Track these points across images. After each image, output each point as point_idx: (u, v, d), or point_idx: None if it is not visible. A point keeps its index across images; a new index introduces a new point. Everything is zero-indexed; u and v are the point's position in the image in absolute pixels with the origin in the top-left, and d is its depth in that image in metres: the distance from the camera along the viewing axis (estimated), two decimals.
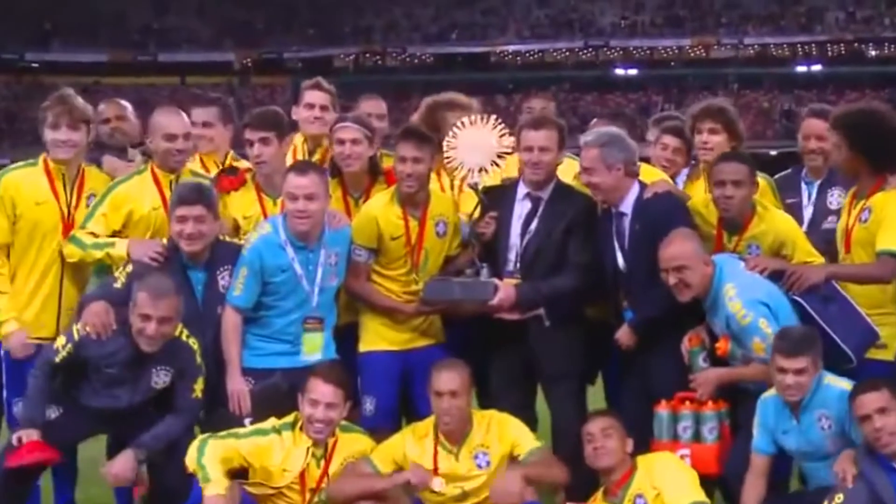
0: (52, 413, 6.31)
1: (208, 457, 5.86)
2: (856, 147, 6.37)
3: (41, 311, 6.81)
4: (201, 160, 7.41)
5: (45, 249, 6.81)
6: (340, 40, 71.82)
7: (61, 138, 6.75)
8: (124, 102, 8.01)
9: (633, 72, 69.87)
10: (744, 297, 6.13)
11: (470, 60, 69.99)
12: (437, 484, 6.13)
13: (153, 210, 6.80)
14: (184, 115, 6.99)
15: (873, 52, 67.67)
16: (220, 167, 7.34)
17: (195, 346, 6.34)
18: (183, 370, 6.33)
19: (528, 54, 72.04)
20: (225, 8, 71.95)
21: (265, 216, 6.81)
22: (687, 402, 6.31)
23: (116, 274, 6.51)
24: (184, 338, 6.31)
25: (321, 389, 5.99)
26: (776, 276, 6.30)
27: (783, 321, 6.08)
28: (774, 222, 6.58)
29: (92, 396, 6.34)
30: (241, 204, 6.94)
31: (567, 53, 71.85)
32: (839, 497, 5.56)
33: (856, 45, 67.39)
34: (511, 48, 71.43)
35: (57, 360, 6.24)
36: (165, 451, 6.26)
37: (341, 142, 6.85)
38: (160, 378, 6.31)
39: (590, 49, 71.44)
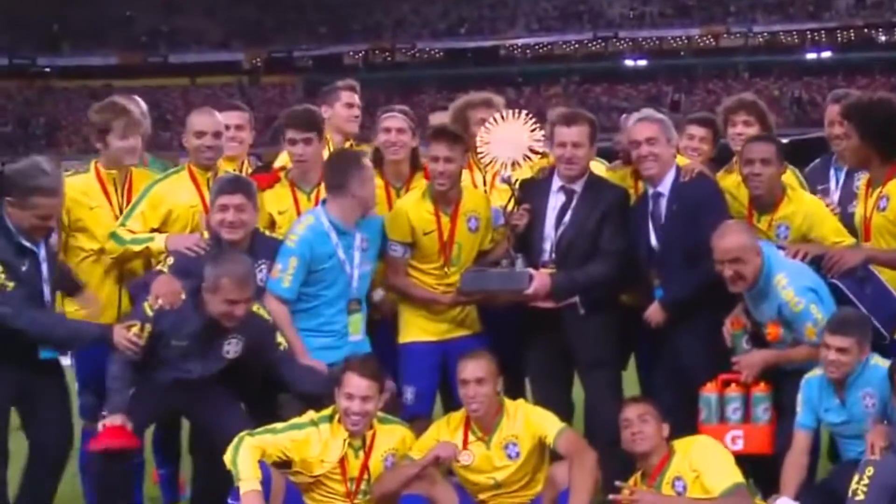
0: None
1: (242, 455, 5.95)
2: (867, 136, 6.46)
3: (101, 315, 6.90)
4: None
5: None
6: (350, 38, 71.96)
7: (131, 145, 7.02)
8: (138, 99, 8.01)
9: (642, 62, 69.72)
10: (795, 284, 6.25)
11: (479, 54, 70.00)
12: (465, 457, 6.31)
13: (190, 207, 6.95)
14: (216, 114, 7.17)
15: (883, 38, 67.33)
16: (238, 171, 7.46)
17: (261, 312, 6.47)
18: (259, 338, 6.44)
19: (537, 47, 71.97)
20: (234, 8, 72.11)
21: (299, 212, 6.96)
22: (733, 385, 6.41)
23: (158, 268, 6.60)
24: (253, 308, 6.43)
25: (356, 383, 6.11)
26: (814, 260, 6.47)
27: (826, 304, 6.25)
28: (803, 203, 6.77)
29: (163, 371, 6.40)
30: (275, 200, 7.08)
31: (576, 45, 71.70)
32: (870, 470, 5.68)
33: (865, 30, 67.12)
34: (520, 41, 71.41)
35: (141, 342, 6.27)
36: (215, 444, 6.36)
37: (387, 130, 7.11)
38: (231, 348, 6.40)
39: (599, 40, 71.32)
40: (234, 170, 7.41)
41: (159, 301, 6.26)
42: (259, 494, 5.84)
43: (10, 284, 6.19)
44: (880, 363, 6.01)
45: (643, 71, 69.06)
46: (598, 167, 7.36)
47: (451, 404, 6.88)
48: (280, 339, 6.49)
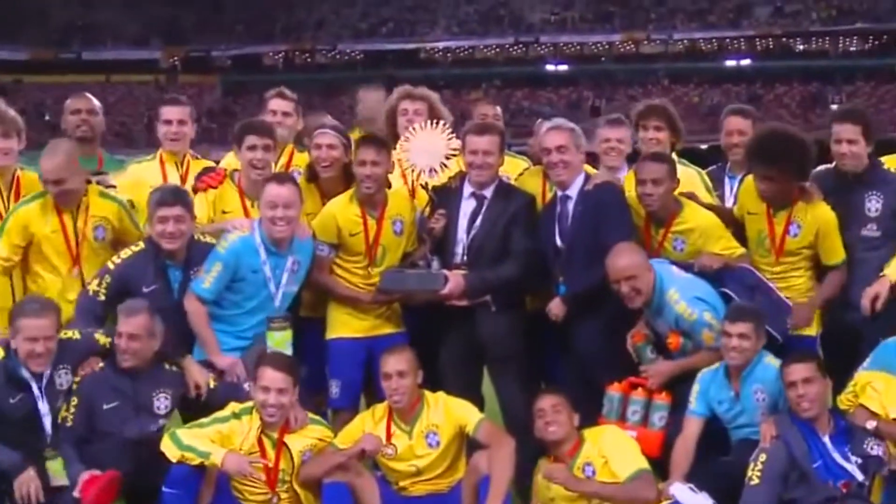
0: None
1: (188, 439, 6.23)
2: (793, 175, 6.96)
3: None
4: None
5: None
6: (270, 38, 71.65)
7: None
8: (93, 98, 8.27)
9: (563, 67, 70.41)
10: (686, 297, 6.76)
11: (400, 57, 70.00)
12: (389, 450, 6.64)
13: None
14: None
15: (801, 47, 68.78)
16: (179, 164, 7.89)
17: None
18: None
19: (458, 50, 72.34)
20: (152, 5, 71.12)
21: (247, 216, 7.24)
22: (639, 389, 6.87)
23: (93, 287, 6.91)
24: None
25: (271, 376, 6.36)
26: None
27: (719, 311, 6.77)
28: (698, 219, 7.15)
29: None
30: (220, 200, 7.40)
31: (497, 49, 72.22)
32: (763, 457, 6.22)
33: (784, 39, 68.38)
34: (441, 44, 71.70)
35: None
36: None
37: (318, 146, 7.41)
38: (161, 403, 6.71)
39: (520, 45, 71.90)
40: (176, 163, 7.84)
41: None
42: (236, 454, 6.21)
43: None
44: (772, 362, 6.56)
45: (564, 76, 69.83)
46: (520, 164, 8.03)
47: (375, 399, 7.11)
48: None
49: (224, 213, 7.34)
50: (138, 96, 65.43)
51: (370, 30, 72.42)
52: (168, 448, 6.23)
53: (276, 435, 6.47)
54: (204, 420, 6.43)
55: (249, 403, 6.49)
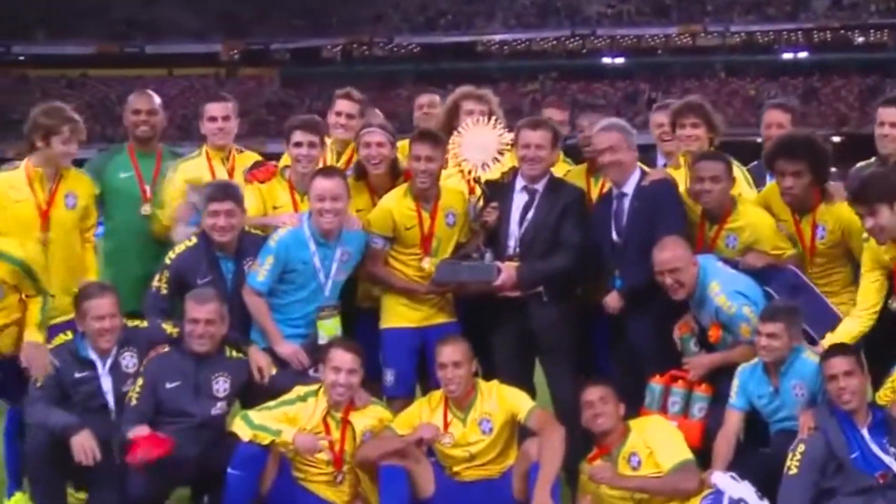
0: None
1: (259, 420, 6.57)
2: (818, 169, 7.10)
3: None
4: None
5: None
6: (328, 31, 71.70)
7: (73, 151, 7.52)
8: (155, 97, 8.45)
9: (619, 60, 69.78)
10: (727, 290, 6.90)
11: (457, 50, 69.84)
12: (447, 439, 6.86)
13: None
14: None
15: (860, 39, 67.64)
16: (225, 160, 8.10)
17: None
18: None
19: (514, 43, 71.89)
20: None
21: (296, 210, 7.50)
22: (680, 381, 7.05)
23: (155, 283, 7.27)
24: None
25: (342, 357, 6.73)
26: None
27: (759, 306, 6.90)
28: (750, 217, 7.26)
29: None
30: (270, 195, 7.66)
31: (554, 42, 71.71)
32: (801, 447, 6.35)
33: (842, 31, 67.34)
34: (497, 37, 71.31)
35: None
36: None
37: (368, 145, 7.58)
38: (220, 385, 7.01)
39: (576, 38, 71.34)
40: (222, 159, 8.05)
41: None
42: (306, 433, 6.59)
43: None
44: (811, 357, 6.69)
45: (620, 69, 69.06)
46: (564, 167, 8.09)
47: (429, 386, 7.34)
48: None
49: (275, 207, 7.62)
50: (199, 89, 65.95)
51: (427, 23, 72.43)
52: (240, 428, 6.55)
53: (340, 415, 6.78)
54: (271, 403, 6.71)
55: (314, 386, 6.82)
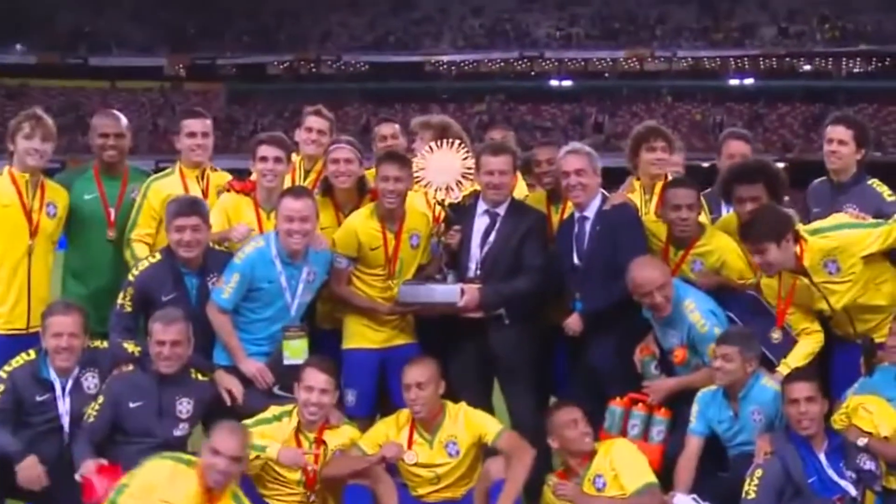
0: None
1: None
2: (774, 196, 7.18)
3: (15, 303, 7.41)
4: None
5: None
6: (275, 47, 71.58)
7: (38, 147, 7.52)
8: (122, 117, 8.28)
9: (567, 83, 70.26)
10: (701, 308, 7.02)
11: (405, 69, 69.91)
12: (409, 457, 6.88)
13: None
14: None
15: (805, 67, 68.64)
16: (199, 177, 8.06)
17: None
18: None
19: (462, 64, 72.21)
20: (158, 12, 71.18)
21: (261, 229, 7.50)
22: (640, 404, 7.13)
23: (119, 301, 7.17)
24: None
25: (316, 377, 6.70)
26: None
27: (723, 328, 7.02)
28: (719, 242, 7.38)
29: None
30: (233, 208, 7.63)
31: (502, 64, 72.09)
32: (759, 472, 6.40)
33: (788, 59, 68.31)
34: (446, 58, 71.59)
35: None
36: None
37: (336, 161, 7.67)
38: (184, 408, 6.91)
39: (525, 60, 71.78)
40: (197, 176, 8.00)
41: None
42: (293, 448, 6.58)
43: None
44: (769, 384, 6.79)
45: (568, 91, 69.53)
46: (523, 189, 8.23)
47: (389, 407, 7.39)
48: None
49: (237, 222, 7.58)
50: (143, 103, 65.49)
51: (375, 42, 72.44)
52: None
53: (313, 435, 6.74)
54: (248, 422, 6.64)
55: (288, 406, 6.79)
